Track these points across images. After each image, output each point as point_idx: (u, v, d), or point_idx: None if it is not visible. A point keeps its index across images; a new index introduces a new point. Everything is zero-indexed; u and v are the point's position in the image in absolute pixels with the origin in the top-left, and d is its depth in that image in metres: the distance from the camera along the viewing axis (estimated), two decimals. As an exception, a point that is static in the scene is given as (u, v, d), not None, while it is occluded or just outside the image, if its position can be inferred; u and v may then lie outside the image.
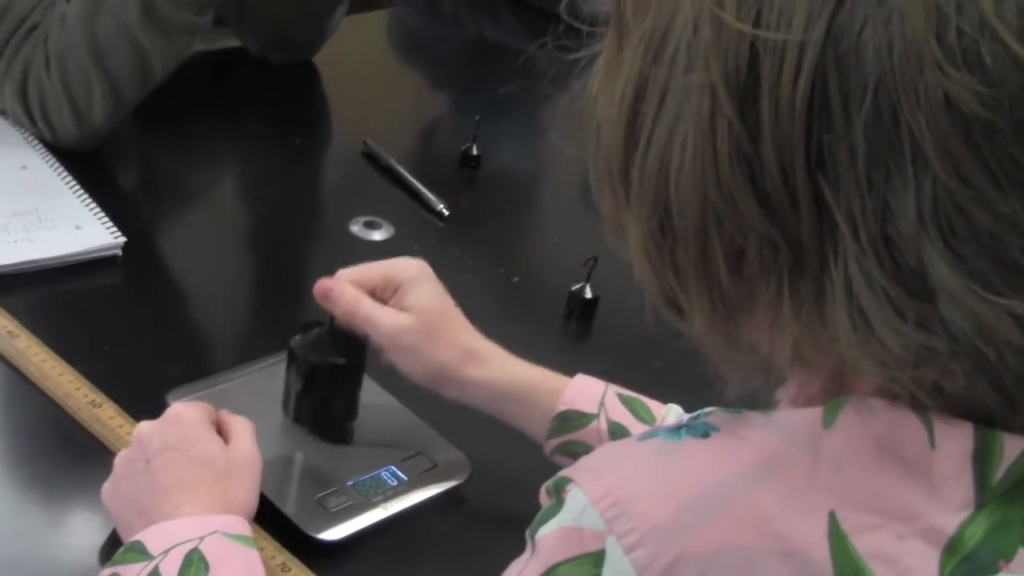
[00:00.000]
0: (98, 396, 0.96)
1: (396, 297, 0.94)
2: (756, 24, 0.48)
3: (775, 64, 0.48)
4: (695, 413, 0.60)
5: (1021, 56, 0.45)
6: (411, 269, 0.95)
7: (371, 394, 1.01)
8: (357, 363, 0.95)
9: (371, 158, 1.39)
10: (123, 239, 1.14)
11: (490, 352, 0.94)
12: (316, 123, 1.50)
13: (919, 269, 0.47)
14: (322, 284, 0.93)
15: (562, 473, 0.56)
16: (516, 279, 1.21)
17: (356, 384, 0.96)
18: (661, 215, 0.52)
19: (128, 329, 1.07)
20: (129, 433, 0.92)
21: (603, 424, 0.92)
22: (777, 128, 0.48)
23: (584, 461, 0.56)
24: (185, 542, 0.77)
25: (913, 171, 0.46)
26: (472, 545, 0.93)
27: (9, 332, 1.01)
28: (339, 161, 1.44)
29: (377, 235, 1.25)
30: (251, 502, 0.84)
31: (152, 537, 0.78)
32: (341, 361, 0.94)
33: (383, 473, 0.93)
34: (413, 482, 0.93)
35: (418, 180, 1.34)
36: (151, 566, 0.76)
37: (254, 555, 0.79)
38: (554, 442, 0.93)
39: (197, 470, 0.83)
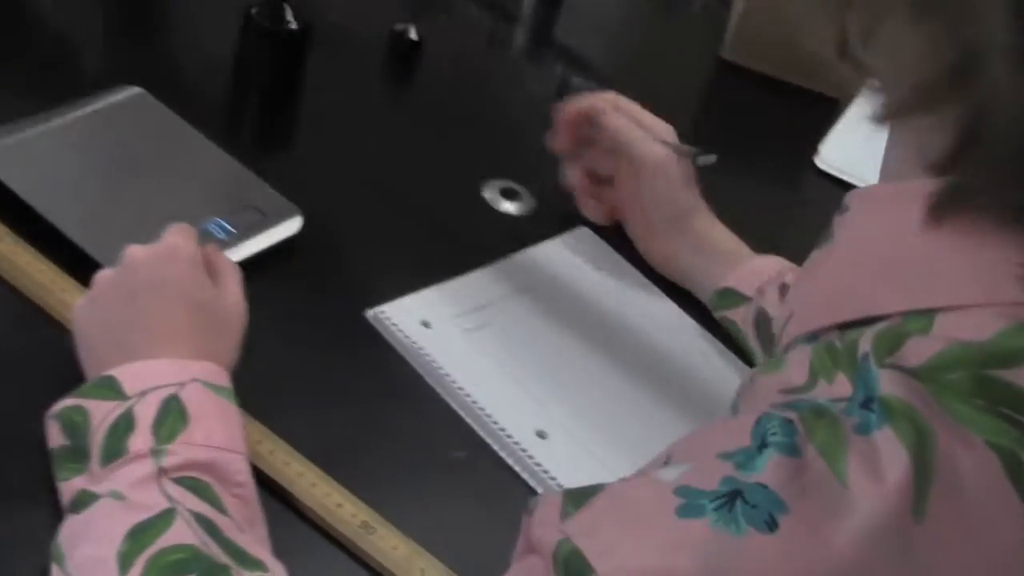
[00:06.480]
0: None
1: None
2: None
3: None
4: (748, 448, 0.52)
5: None
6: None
7: (198, 146, 0.98)
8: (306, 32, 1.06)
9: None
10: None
11: (705, 213, 1.03)
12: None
13: None
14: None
15: (583, 552, 0.50)
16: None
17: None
18: None
19: None
20: None
21: (751, 310, 0.96)
22: None
23: (605, 539, 0.50)
24: (163, 386, 0.71)
25: None
26: (302, 298, 0.93)
27: None
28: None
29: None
30: (233, 357, 0.78)
31: (127, 376, 0.72)
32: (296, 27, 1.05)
33: (210, 226, 0.91)
34: (243, 234, 0.92)
35: None
36: (124, 406, 0.70)
37: (233, 410, 0.73)
38: (717, 314, 1.01)
39: (190, 316, 0.76)
